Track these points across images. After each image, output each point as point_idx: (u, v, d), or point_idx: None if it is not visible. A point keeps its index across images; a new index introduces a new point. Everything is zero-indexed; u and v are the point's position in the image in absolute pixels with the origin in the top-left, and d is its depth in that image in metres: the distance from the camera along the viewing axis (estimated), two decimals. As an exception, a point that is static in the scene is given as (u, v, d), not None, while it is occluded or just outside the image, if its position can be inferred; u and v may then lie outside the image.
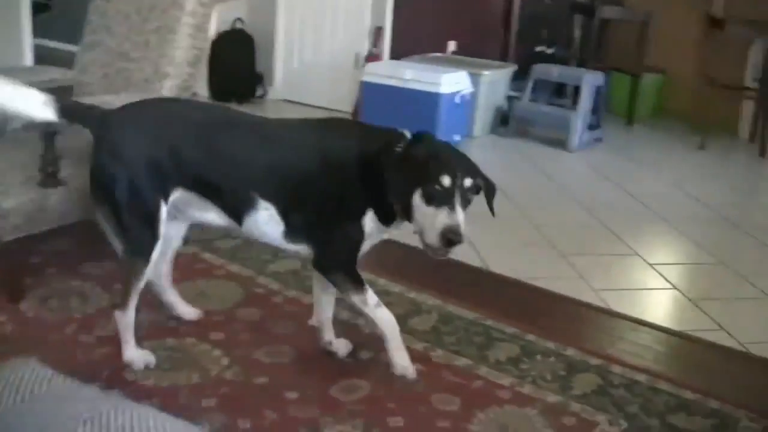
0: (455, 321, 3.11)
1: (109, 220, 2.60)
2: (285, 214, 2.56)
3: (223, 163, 2.56)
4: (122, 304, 2.65)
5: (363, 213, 2.54)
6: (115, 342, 2.74)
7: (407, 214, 2.45)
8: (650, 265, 4.02)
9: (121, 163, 2.51)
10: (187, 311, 3.01)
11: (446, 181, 2.33)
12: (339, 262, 2.61)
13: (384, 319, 2.64)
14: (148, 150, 2.52)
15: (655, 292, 3.75)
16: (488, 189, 2.53)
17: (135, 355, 2.67)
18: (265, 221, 2.58)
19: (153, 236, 2.56)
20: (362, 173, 2.52)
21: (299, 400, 2.53)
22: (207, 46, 6.64)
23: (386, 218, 2.56)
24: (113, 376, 2.59)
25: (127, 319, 2.66)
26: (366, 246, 2.62)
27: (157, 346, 2.78)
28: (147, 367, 2.64)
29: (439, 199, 2.34)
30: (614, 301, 3.49)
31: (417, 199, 2.38)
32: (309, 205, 2.57)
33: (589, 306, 3.44)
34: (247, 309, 3.11)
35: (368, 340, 2.90)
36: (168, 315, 2.99)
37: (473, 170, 2.45)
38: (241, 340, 2.88)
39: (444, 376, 2.73)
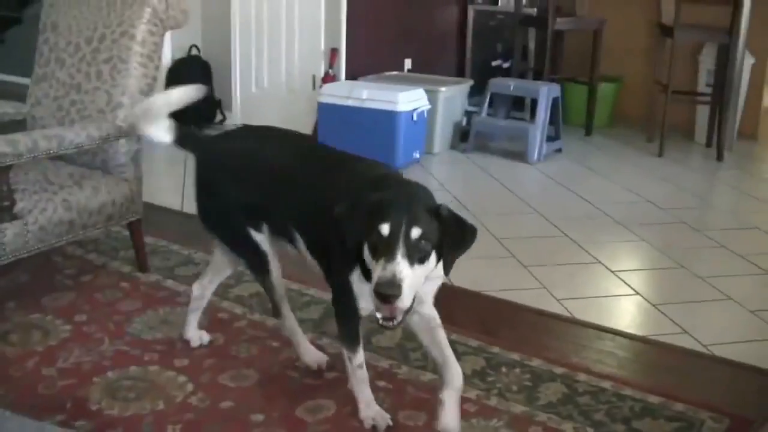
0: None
1: (222, 245, 2.89)
2: (310, 251, 2.62)
3: (282, 196, 2.62)
4: (277, 314, 2.86)
5: (350, 270, 2.34)
6: (76, 373, 2.73)
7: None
8: (612, 272, 4.05)
9: (214, 199, 2.79)
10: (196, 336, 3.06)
11: (384, 229, 2.08)
12: (338, 313, 2.52)
13: (357, 378, 2.54)
14: (234, 190, 2.69)
15: (618, 298, 3.78)
16: (454, 240, 2.21)
17: (309, 351, 2.90)
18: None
19: (261, 258, 2.75)
20: None
21: (265, 423, 2.53)
22: (160, 75, 6.65)
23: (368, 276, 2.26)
24: (76, 407, 2.57)
25: (289, 323, 2.87)
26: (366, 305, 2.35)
27: (121, 376, 2.77)
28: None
29: (381, 250, 2.08)
30: (578, 310, 3.52)
31: (366, 253, 2.17)
32: (318, 250, 2.58)
33: (552, 315, 3.46)
34: (211, 334, 3.09)
35: (333, 359, 2.90)
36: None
37: (425, 217, 2.13)
38: (206, 365, 2.87)
39: (410, 392, 2.73)
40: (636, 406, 2.72)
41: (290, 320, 2.86)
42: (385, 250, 2.06)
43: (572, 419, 2.62)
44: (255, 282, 3.49)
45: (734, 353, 3.19)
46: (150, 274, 3.62)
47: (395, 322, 2.13)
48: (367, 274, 2.24)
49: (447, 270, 2.21)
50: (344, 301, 2.41)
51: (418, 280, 2.11)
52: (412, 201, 2.17)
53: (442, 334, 2.50)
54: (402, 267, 2.03)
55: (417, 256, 2.08)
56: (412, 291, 2.07)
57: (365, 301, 2.33)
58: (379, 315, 2.12)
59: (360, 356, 2.50)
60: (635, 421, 2.63)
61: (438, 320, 2.51)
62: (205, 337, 3.05)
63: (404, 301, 2.03)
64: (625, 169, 6.26)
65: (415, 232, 2.08)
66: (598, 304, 3.67)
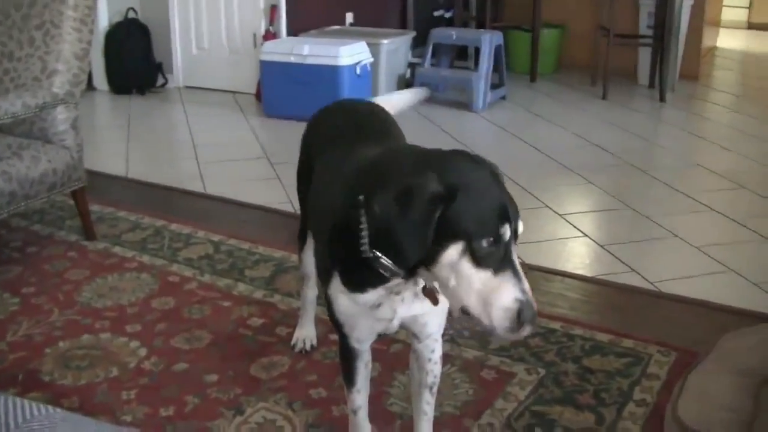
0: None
1: None
2: None
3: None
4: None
5: (330, 277, 1.82)
6: (27, 346, 2.71)
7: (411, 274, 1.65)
8: (560, 215, 4.09)
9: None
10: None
11: (507, 231, 1.52)
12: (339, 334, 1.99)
13: (355, 426, 2.13)
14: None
15: (566, 241, 3.82)
16: None
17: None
18: None
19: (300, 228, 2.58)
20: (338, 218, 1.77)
21: (220, 383, 2.53)
22: (97, 39, 6.55)
23: (354, 282, 1.77)
24: (29, 379, 2.55)
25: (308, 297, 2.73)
26: (366, 324, 1.87)
27: (72, 346, 2.75)
28: None
29: (496, 259, 1.51)
30: (527, 254, 3.55)
31: (456, 258, 1.51)
32: None
33: (502, 261, 3.48)
34: (161, 298, 3.08)
35: (285, 316, 2.92)
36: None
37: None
38: (158, 329, 2.86)
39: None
40: (586, 344, 2.77)
41: (310, 295, 2.70)
42: (503, 259, 1.51)
43: (524, 361, 2.66)
44: (204, 244, 3.52)
45: (680, 289, 3.26)
46: (97, 242, 3.59)
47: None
48: (355, 281, 1.76)
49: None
50: (335, 327, 1.93)
51: None
52: (501, 180, 1.64)
53: (428, 398, 2.09)
54: (527, 285, 1.53)
55: None
56: None
57: (357, 323, 1.86)
58: (484, 321, 1.52)
59: (354, 401, 2.06)
60: (585, 359, 2.68)
61: (437, 365, 2.04)
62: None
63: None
64: (570, 114, 6.30)
65: (521, 228, 1.60)
66: (547, 247, 3.71)
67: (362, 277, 1.72)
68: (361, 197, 1.62)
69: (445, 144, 5.37)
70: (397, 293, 1.77)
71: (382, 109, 2.39)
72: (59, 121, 3.39)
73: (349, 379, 2.03)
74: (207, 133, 5.61)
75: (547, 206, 4.20)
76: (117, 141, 5.39)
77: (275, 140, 5.37)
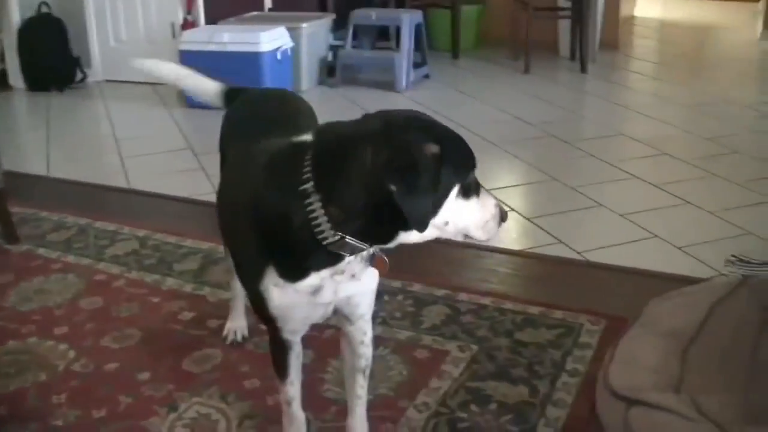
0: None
1: None
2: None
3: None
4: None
5: (261, 271, 1.76)
6: (-49, 354, 2.65)
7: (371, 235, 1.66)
8: (486, 190, 4.10)
9: None
10: None
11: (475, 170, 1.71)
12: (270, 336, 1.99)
13: (284, 417, 2.10)
14: None
15: (494, 216, 3.83)
16: None
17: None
18: None
19: None
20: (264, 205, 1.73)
21: (152, 380, 2.50)
22: (7, 35, 6.40)
23: (292, 270, 1.74)
24: (-46, 389, 2.49)
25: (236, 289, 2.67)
26: (302, 313, 1.85)
27: (-2, 352, 2.69)
28: None
29: (476, 186, 1.70)
30: (456, 232, 3.56)
31: (452, 202, 1.64)
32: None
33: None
34: (89, 298, 3.03)
35: (215, 308, 2.89)
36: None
37: None
38: (87, 330, 2.81)
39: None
40: (517, 318, 2.79)
41: (240, 286, 2.51)
42: (478, 185, 1.70)
43: (456, 338, 2.68)
44: (130, 240, 3.47)
45: (607, 257, 3.31)
46: (20, 245, 3.51)
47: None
48: (290, 269, 1.73)
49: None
50: (264, 321, 1.91)
51: None
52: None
53: (362, 382, 2.08)
54: None
55: None
56: None
57: (294, 314, 1.84)
58: (481, 236, 1.73)
59: (287, 392, 2.03)
60: (517, 333, 2.70)
61: (369, 347, 2.04)
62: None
63: None
64: (494, 89, 6.35)
65: None
66: (475, 224, 3.72)
67: (302, 263, 1.71)
68: (306, 186, 1.61)
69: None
70: (341, 273, 1.76)
71: (292, 95, 2.43)
72: (-28, 122, 3.30)
73: (282, 372, 2.00)
74: (129, 126, 5.53)
75: (474, 183, 4.21)
76: (36, 140, 5.28)
77: (198, 130, 5.31)
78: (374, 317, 2.64)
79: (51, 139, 5.28)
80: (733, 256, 3.22)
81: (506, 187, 4.25)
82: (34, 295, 3.07)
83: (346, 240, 1.63)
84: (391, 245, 1.70)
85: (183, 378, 2.50)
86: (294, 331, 1.91)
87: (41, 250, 3.46)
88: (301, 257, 1.70)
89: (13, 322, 2.89)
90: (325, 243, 1.63)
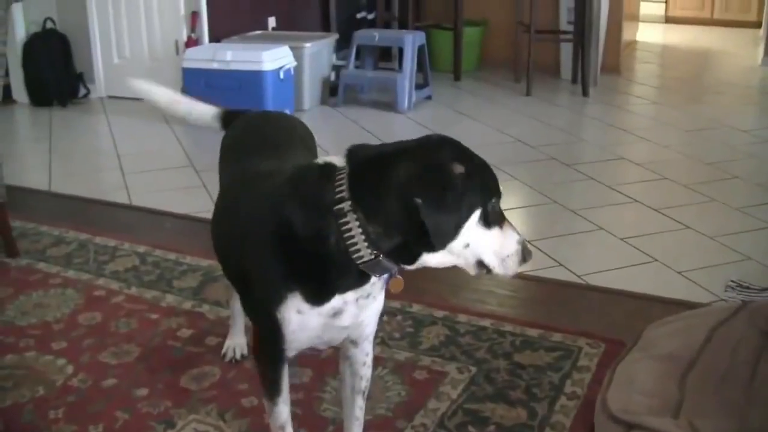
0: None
1: None
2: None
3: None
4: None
5: (281, 298, 1.74)
6: (-51, 368, 2.64)
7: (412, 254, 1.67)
8: (512, 226, 4.10)
9: None
10: None
11: (500, 190, 1.74)
12: (257, 351, 2.02)
13: None
14: None
15: (494, 238, 3.84)
16: None
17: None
18: None
19: None
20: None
21: (150, 396, 2.49)
22: (14, 50, 6.41)
23: (319, 294, 1.73)
24: (-49, 402, 2.49)
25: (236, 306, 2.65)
26: (315, 335, 1.82)
27: (-5, 366, 2.69)
28: None
29: (499, 215, 1.71)
30: (455, 252, 3.56)
31: (474, 224, 1.66)
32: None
33: (431, 260, 3.49)
34: (88, 313, 3.02)
35: (214, 325, 2.89)
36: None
37: None
38: (85, 345, 2.81)
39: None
40: (516, 340, 2.79)
41: (239, 304, 2.49)
42: (502, 216, 1.72)
43: (455, 360, 2.68)
44: (130, 256, 3.47)
45: (607, 280, 3.31)
46: (20, 259, 3.51)
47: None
48: (316, 293, 1.72)
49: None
50: (267, 341, 1.87)
51: None
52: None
53: (361, 404, 2.07)
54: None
55: None
56: None
57: (304, 337, 1.81)
58: (499, 270, 1.72)
59: (281, 414, 1.98)
60: (516, 355, 2.70)
61: (370, 368, 2.04)
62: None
63: None
64: (495, 111, 6.36)
65: None
66: (475, 245, 3.72)
67: (331, 285, 1.72)
68: (342, 205, 1.63)
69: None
70: (366, 296, 1.77)
71: (291, 118, 2.45)
72: (-25, 136, 3.31)
73: (275, 388, 1.95)
74: (131, 143, 5.54)
75: (475, 204, 4.21)
76: (38, 154, 5.29)
77: (200, 147, 5.32)
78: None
79: (53, 153, 5.29)
80: (733, 281, 3.23)
81: (506, 209, 4.22)
82: (32, 309, 3.06)
83: (380, 259, 1.65)
84: (414, 266, 1.71)
85: (181, 395, 2.50)
86: (298, 348, 1.87)
87: (41, 265, 3.46)
88: (331, 279, 1.70)
89: (11, 335, 2.89)
90: (359, 262, 1.65)
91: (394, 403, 2.45)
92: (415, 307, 3.01)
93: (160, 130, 5.82)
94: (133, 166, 4.98)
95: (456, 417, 2.38)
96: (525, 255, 1.75)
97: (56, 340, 2.84)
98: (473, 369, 2.62)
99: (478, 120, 6.05)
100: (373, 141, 5.29)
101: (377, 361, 2.63)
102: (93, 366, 2.67)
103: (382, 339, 2.79)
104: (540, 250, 3.63)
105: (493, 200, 1.69)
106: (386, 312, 2.93)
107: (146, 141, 5.60)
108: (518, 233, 1.75)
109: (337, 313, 1.76)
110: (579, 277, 3.35)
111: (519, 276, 3.33)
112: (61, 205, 4.35)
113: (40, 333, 2.89)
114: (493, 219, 1.69)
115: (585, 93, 6.78)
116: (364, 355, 1.99)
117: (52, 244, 3.67)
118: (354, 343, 1.95)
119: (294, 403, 2.39)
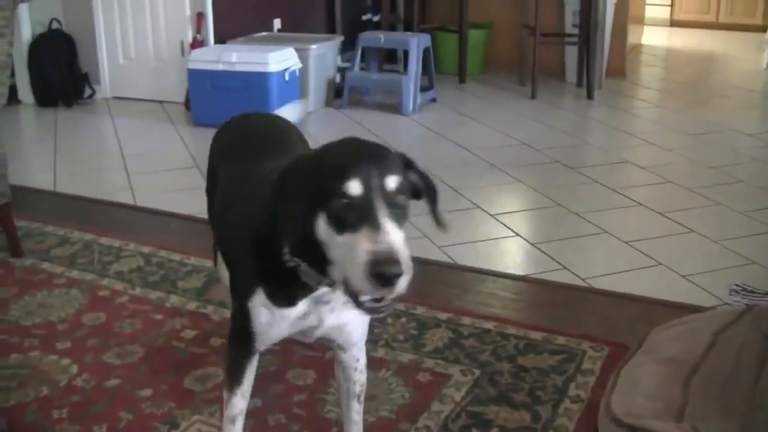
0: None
1: None
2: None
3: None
4: None
5: (251, 291, 1.77)
6: (-47, 367, 2.65)
7: (320, 265, 1.60)
8: (491, 215, 4.12)
9: None
10: None
11: (354, 187, 1.47)
12: (229, 338, 1.97)
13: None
14: None
15: (498, 241, 3.85)
16: (429, 188, 1.72)
17: None
18: None
19: None
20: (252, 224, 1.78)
21: (154, 397, 2.49)
22: (18, 50, 6.42)
23: (281, 297, 1.75)
24: (-45, 402, 2.49)
25: None
26: (282, 332, 1.84)
27: (0, 365, 2.69)
28: None
29: (354, 217, 1.45)
30: (459, 256, 3.57)
31: (324, 229, 1.50)
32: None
33: (434, 263, 3.50)
34: (92, 314, 3.03)
35: (218, 326, 2.89)
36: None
37: (397, 162, 1.60)
38: (89, 345, 2.81)
39: (296, 351, 2.72)
40: (520, 343, 2.79)
41: None
42: (362, 216, 1.44)
43: (459, 362, 2.67)
44: (135, 257, 3.48)
45: (611, 284, 3.30)
46: (24, 259, 3.52)
47: (386, 308, 1.52)
48: (276, 294, 1.74)
49: (445, 225, 1.72)
50: (238, 329, 1.88)
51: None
52: (372, 145, 1.62)
53: (357, 407, 2.08)
54: (397, 234, 1.44)
55: (399, 216, 1.50)
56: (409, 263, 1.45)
57: (272, 332, 1.82)
58: (365, 297, 1.49)
59: (234, 406, 1.97)
60: (520, 358, 2.70)
61: (362, 373, 2.04)
62: None
63: (406, 282, 1.43)
64: (500, 114, 6.36)
65: (392, 184, 1.51)
66: (479, 248, 3.73)
67: (289, 289, 1.72)
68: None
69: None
70: (326, 302, 1.76)
71: (285, 120, 2.45)
72: (-20, 136, 3.32)
73: (236, 378, 1.93)
74: (136, 143, 5.54)
75: (478, 206, 4.22)
76: (44, 154, 5.30)
77: (205, 149, 5.26)
78: (376, 340, 2.66)
79: (58, 153, 5.30)
80: (737, 285, 3.23)
81: (511, 212, 4.25)
82: (37, 309, 3.07)
83: (303, 266, 1.64)
84: (332, 281, 1.63)
85: (184, 396, 2.50)
86: (267, 343, 1.89)
87: (45, 265, 3.47)
88: (285, 284, 1.70)
89: (15, 335, 2.89)
90: (288, 267, 1.65)
91: (398, 405, 2.45)
92: (420, 310, 3.01)
93: (165, 130, 5.83)
94: (138, 166, 4.99)
95: (459, 419, 2.38)
96: (379, 266, 1.40)
97: (60, 340, 2.85)
98: (477, 372, 2.62)
99: (483, 123, 6.05)
100: (376, 141, 5.32)
101: (381, 363, 2.64)
102: (97, 366, 2.68)
103: (386, 341, 2.79)
104: (544, 252, 3.64)
105: (340, 199, 1.46)
106: (390, 314, 2.94)
107: (151, 142, 5.61)
108: (377, 240, 1.42)
109: (301, 317, 1.77)
110: (583, 280, 3.35)
111: (523, 278, 3.36)
112: (65, 206, 4.36)
113: (44, 333, 2.90)
114: (344, 222, 1.46)
115: (590, 96, 6.78)
116: (355, 360, 2.00)
117: (57, 244, 3.68)
118: (342, 348, 1.96)
119: (297, 405, 2.41)
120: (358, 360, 2.00)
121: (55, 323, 2.96)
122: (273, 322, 1.78)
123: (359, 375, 2.03)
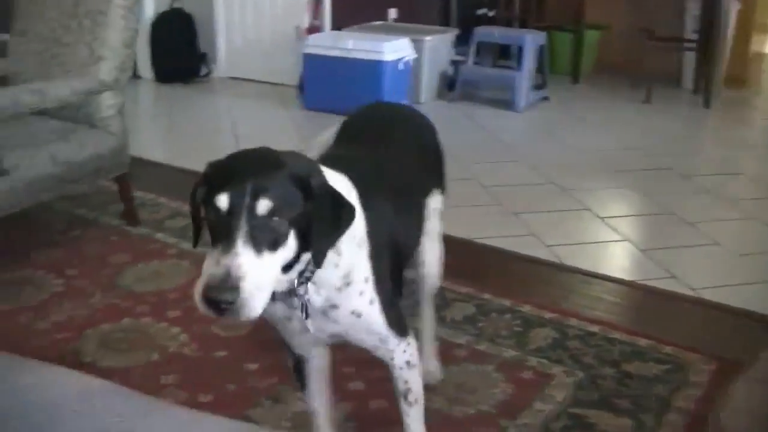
0: (409, 285, 3.12)
1: None
2: None
3: None
4: None
5: None
6: (69, 327, 2.74)
7: None
8: (601, 218, 4.06)
9: None
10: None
11: (222, 201, 1.42)
12: None
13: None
14: None
15: (606, 244, 3.80)
16: (325, 220, 1.53)
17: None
18: None
19: None
20: None
21: (259, 371, 2.54)
22: (141, 27, 6.59)
23: None
24: (70, 360, 2.57)
25: None
26: (291, 333, 1.86)
27: (113, 328, 2.78)
28: None
29: (218, 232, 1.43)
30: (567, 256, 3.53)
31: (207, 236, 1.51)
32: None
33: (542, 262, 3.47)
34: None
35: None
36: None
37: (282, 184, 1.49)
38: (198, 316, 2.83)
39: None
40: (625, 349, 2.75)
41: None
42: (222, 232, 1.41)
43: (562, 363, 2.65)
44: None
45: (722, 297, 3.22)
46: (140, 228, 3.62)
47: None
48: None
49: (318, 260, 1.54)
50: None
51: (270, 275, 1.44)
52: (264, 163, 1.55)
53: (405, 409, 2.02)
54: (243, 258, 1.38)
55: (267, 240, 1.42)
56: (262, 292, 1.42)
57: (287, 335, 1.87)
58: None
59: (308, 403, 2.08)
60: (625, 364, 2.66)
61: (403, 370, 1.96)
62: None
63: (247, 309, 1.39)
64: (612, 116, 6.26)
65: (263, 206, 1.42)
66: (586, 250, 3.69)
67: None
68: None
69: (483, 142, 5.35)
70: (296, 308, 1.68)
71: (410, 111, 2.56)
72: (105, 106, 3.42)
73: (298, 380, 2.05)
74: (248, 124, 5.64)
75: (588, 209, 4.17)
76: (160, 129, 5.44)
77: (315, 134, 5.37)
78: (479, 333, 2.64)
79: (173, 128, 5.43)
80: None
81: (620, 216, 4.19)
82: (149, 277, 3.16)
83: None
84: (302, 289, 1.63)
85: (288, 373, 2.53)
86: (297, 346, 1.93)
87: (159, 235, 3.56)
88: None
89: (127, 300, 2.98)
90: None
91: (498, 401, 2.44)
92: (525, 308, 2.99)
93: (277, 113, 5.91)
94: (248, 146, 5.05)
95: (560, 420, 2.36)
96: (210, 293, 1.37)
97: (171, 308, 2.93)
98: (580, 374, 2.59)
99: (595, 125, 5.96)
100: (488, 139, 5.30)
101: (484, 357, 2.64)
102: (205, 337, 2.74)
103: (489, 336, 2.78)
104: (653, 260, 3.57)
105: (211, 211, 1.44)
106: (495, 309, 2.94)
107: (263, 123, 5.69)
108: (217, 262, 1.38)
109: (285, 318, 1.75)
110: (693, 290, 3.28)
111: (630, 284, 3.30)
112: (178, 179, 4.45)
113: (155, 300, 2.98)
114: (214, 236, 1.43)
115: (706, 104, 6.61)
116: (389, 359, 1.92)
117: (169, 216, 3.77)
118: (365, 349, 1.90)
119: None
120: (392, 358, 1.91)
121: (167, 292, 3.04)
122: (267, 315, 1.70)
123: (399, 371, 1.94)
